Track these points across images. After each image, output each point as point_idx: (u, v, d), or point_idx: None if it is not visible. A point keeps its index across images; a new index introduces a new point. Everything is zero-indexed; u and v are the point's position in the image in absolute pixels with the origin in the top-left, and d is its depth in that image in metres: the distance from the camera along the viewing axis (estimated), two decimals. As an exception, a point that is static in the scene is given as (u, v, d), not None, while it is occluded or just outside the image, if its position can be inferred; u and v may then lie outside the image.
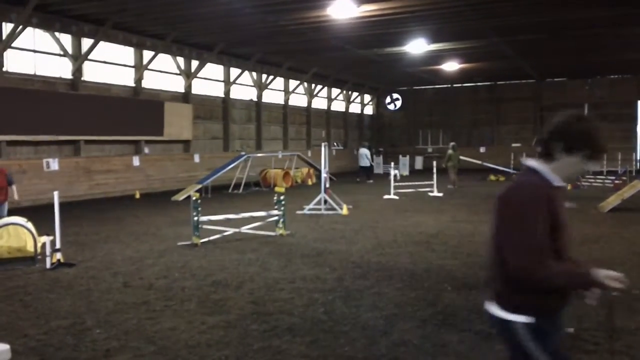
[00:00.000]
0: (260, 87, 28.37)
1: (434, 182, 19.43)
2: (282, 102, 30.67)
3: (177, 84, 23.39)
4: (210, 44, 22.90)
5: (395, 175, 19.65)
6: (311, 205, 14.53)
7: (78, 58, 18.64)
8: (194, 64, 23.68)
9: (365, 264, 8.31)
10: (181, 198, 17.74)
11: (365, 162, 26.20)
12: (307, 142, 32.72)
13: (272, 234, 10.82)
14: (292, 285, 7.09)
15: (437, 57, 26.37)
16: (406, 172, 29.83)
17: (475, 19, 18.64)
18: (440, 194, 18.95)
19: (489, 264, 2.68)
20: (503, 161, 30.09)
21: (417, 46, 22.70)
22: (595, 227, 11.51)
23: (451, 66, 28.59)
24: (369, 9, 17.07)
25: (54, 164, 17.41)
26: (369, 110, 40.92)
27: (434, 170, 19.89)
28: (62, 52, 18.30)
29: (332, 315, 5.85)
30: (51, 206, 8.51)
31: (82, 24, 18.27)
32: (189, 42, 22.41)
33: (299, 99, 32.34)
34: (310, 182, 24.71)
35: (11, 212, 10.27)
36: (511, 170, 27.60)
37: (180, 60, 23.26)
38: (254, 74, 27.86)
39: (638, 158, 33.15)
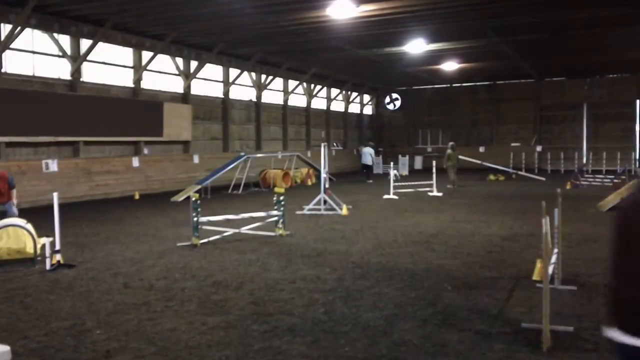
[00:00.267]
0: (260, 87, 28.36)
1: (434, 181, 19.44)
2: (281, 102, 30.64)
3: (176, 85, 23.38)
4: (210, 45, 22.89)
5: (394, 175, 19.66)
6: (311, 206, 14.53)
7: (77, 59, 18.62)
8: (193, 64, 23.66)
9: (365, 264, 8.31)
10: (181, 199, 17.72)
11: (368, 160, 26.28)
12: (306, 143, 32.69)
13: (272, 234, 10.82)
14: (293, 286, 7.09)
15: (436, 57, 26.36)
16: (406, 172, 29.85)
17: (474, 19, 18.63)
18: (440, 194, 18.96)
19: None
20: (502, 161, 30.15)
21: (416, 46, 22.69)
22: (595, 226, 11.52)
23: (450, 66, 28.57)
24: (368, 9, 17.06)
25: (53, 165, 17.38)
26: (368, 110, 40.90)
27: (434, 170, 19.92)
28: (61, 53, 18.27)
29: (332, 316, 5.84)
30: (51, 207, 8.51)
31: (81, 24, 18.27)
32: (188, 43, 22.39)
33: (298, 99, 32.33)
34: (309, 183, 24.69)
35: (11, 213, 10.27)
36: (510, 170, 27.66)
37: (180, 60, 23.25)
38: (254, 74, 27.85)
39: (637, 157, 33.15)
